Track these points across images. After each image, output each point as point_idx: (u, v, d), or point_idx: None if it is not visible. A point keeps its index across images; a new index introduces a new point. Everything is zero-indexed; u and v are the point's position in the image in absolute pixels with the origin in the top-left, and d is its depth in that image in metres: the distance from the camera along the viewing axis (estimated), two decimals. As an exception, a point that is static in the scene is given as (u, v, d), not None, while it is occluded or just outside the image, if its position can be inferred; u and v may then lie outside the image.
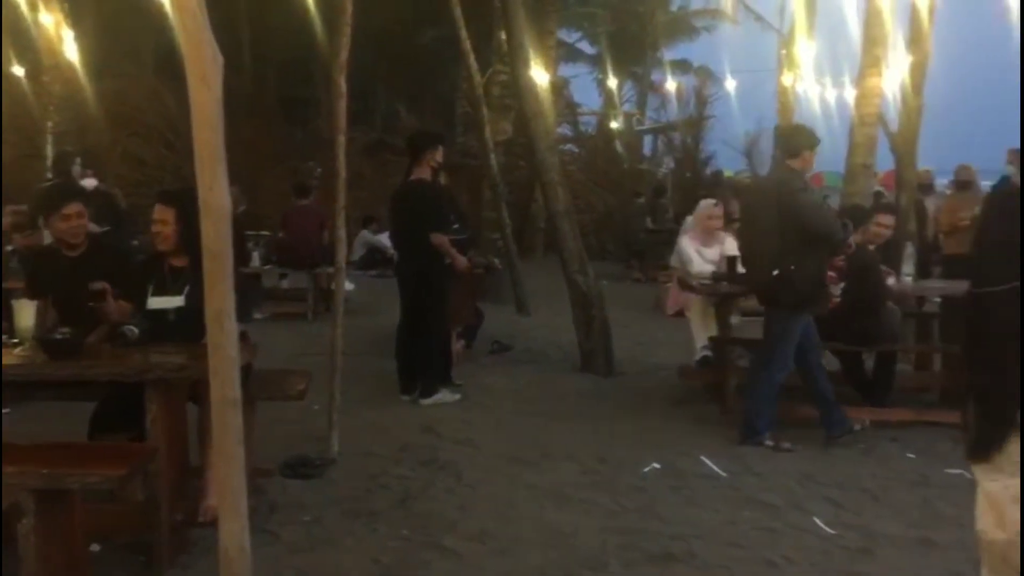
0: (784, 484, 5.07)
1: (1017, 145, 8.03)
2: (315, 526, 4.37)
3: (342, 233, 5.70)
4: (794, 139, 5.90)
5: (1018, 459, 2.07)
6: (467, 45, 11.86)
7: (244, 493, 2.73)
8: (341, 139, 5.48)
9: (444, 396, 6.83)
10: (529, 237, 17.86)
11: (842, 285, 6.25)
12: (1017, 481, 2.07)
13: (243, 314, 3.89)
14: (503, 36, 11.75)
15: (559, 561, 4.01)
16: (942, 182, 13.96)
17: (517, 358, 8.59)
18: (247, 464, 2.81)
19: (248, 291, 9.06)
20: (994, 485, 2.15)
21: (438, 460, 5.41)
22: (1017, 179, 9.14)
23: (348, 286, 10.57)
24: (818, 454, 5.66)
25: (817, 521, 4.52)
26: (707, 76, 30.16)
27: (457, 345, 7.65)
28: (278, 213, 12.00)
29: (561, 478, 5.14)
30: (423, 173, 6.83)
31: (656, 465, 5.36)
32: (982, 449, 2.17)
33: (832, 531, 4.40)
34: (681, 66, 32.31)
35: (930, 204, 11.31)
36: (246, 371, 4.10)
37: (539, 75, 10.60)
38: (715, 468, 5.33)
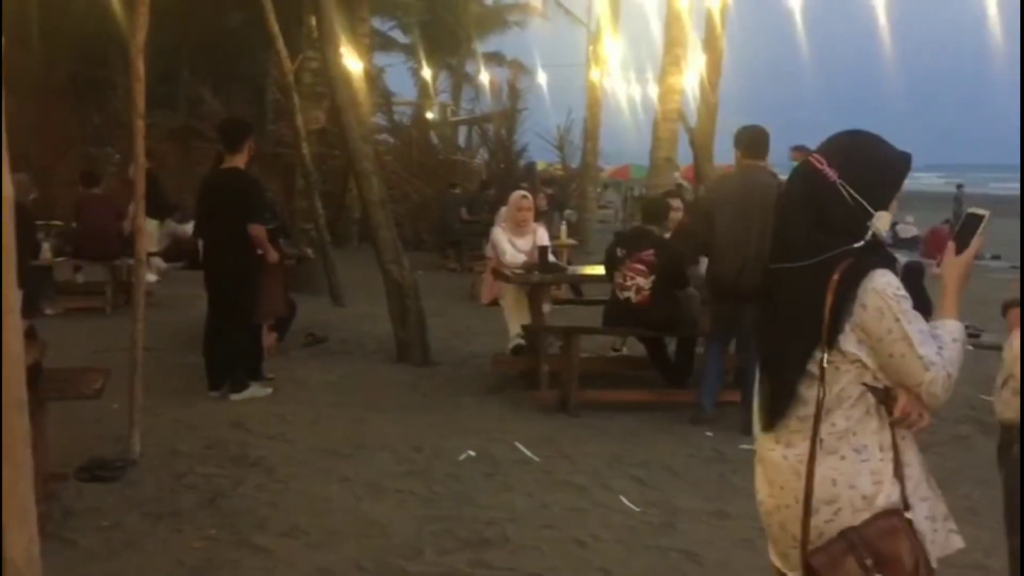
0: (593, 466, 5.26)
1: (800, 142, 8.63)
2: (114, 530, 4.16)
3: (143, 222, 5.43)
4: (764, 141, 6.23)
5: (797, 429, 2.23)
6: (276, 29, 11.53)
7: (32, 500, 2.55)
8: (140, 124, 5.22)
9: (255, 391, 6.65)
10: (344, 227, 17.62)
11: (652, 278, 6.50)
12: (795, 451, 2.23)
13: (30, 309, 3.64)
14: (314, 21, 11.50)
15: (374, 552, 4.00)
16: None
17: (332, 350, 8.47)
18: (39, 469, 2.64)
19: (36, 284, 8.47)
20: (773, 455, 2.30)
21: (248, 457, 5.26)
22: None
23: (150, 278, 10.07)
24: (626, 435, 5.91)
25: (623, 499, 4.72)
26: (520, 69, 30.73)
27: (269, 338, 7.45)
28: (72, 202, 11.26)
29: (376, 469, 5.12)
30: (238, 161, 6.61)
31: (471, 452, 5.43)
32: (768, 418, 2.30)
33: (637, 508, 4.62)
34: (495, 59, 32.78)
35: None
36: (34, 370, 3.83)
37: (352, 63, 10.46)
38: (528, 453, 5.46)
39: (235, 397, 6.52)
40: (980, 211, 2.34)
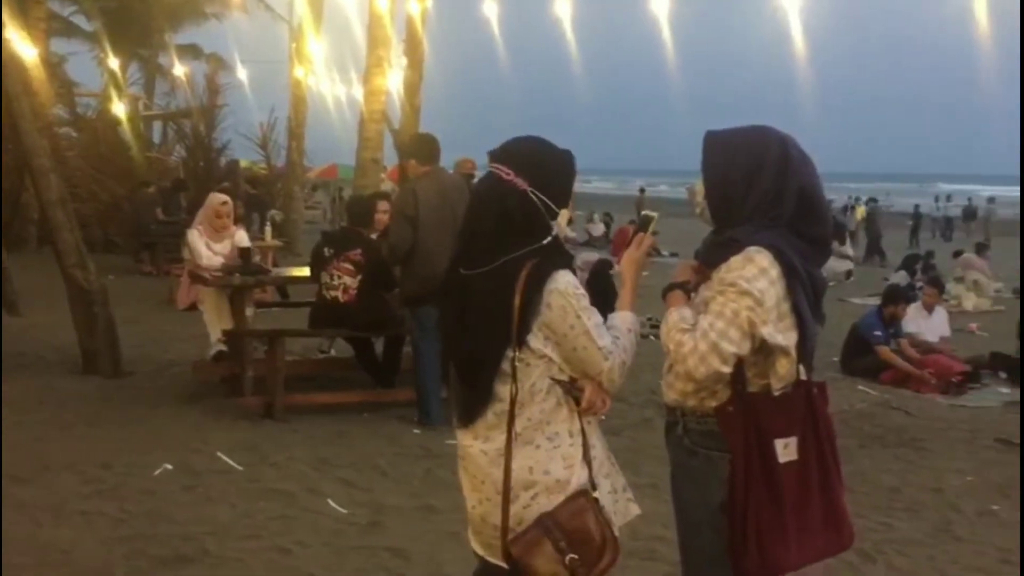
0: (300, 471, 5.17)
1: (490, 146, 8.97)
2: None
3: None
4: (436, 147, 6.29)
5: (495, 424, 2.32)
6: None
7: None
8: None
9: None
10: (20, 229, 16.03)
11: (359, 278, 6.48)
12: (494, 445, 2.32)
13: None
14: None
15: (56, 582, 3.67)
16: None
17: (7, 364, 7.66)
18: None
19: None
20: (472, 450, 2.39)
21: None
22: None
23: None
24: (334, 438, 5.85)
25: (331, 503, 4.68)
26: (219, 64, 29.43)
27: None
28: None
29: (60, 492, 4.71)
30: None
31: (168, 466, 5.14)
32: (465, 415, 2.39)
33: (345, 510, 4.59)
34: (191, 51, 31.16)
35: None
36: None
37: (24, 48, 9.53)
38: (231, 462, 5.26)
39: None
40: (651, 213, 2.60)
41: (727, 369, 2.21)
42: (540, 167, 2.37)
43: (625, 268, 2.50)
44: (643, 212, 2.68)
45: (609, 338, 2.33)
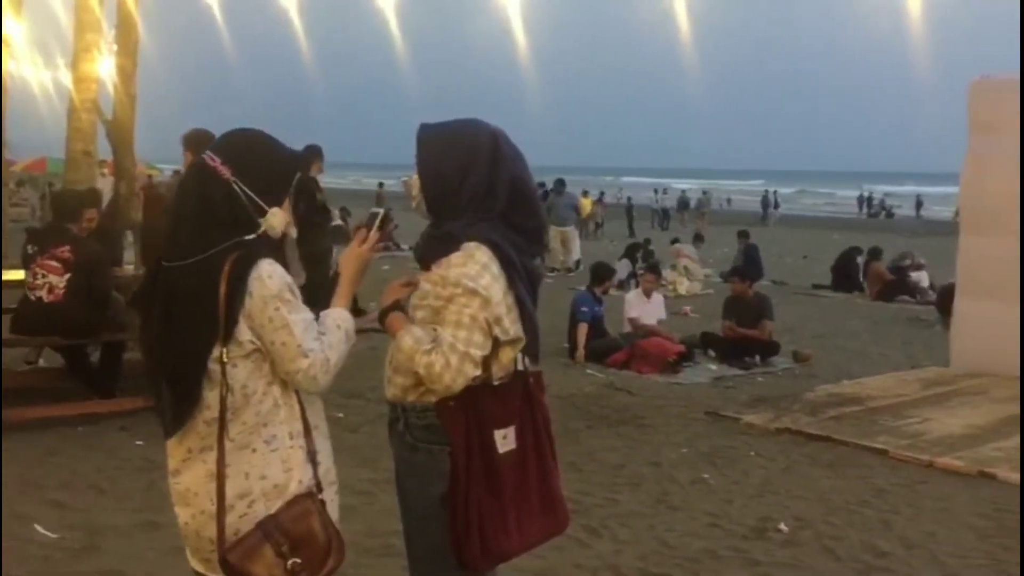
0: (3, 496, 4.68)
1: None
2: None
3: None
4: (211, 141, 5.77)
5: (207, 433, 2.19)
6: None
7: None
8: None
9: None
10: None
11: (68, 276, 5.99)
12: (208, 454, 2.18)
13: None
14: None
15: None
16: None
17: None
18: None
19: None
20: (184, 463, 2.25)
21: None
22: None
23: None
24: (43, 456, 5.36)
25: (39, 528, 4.27)
26: None
27: None
28: None
29: None
30: None
31: None
32: (172, 425, 2.24)
33: (55, 535, 4.21)
34: None
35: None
36: None
37: None
38: (-83, 492, 4.67)
39: None
40: (378, 210, 2.56)
41: (479, 371, 2.25)
42: (247, 159, 2.24)
43: (344, 264, 2.44)
44: (372, 209, 2.65)
45: (313, 334, 2.22)
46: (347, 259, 2.44)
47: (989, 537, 4.64)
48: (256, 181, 2.24)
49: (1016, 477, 5.52)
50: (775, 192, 47.02)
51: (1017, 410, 7.25)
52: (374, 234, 2.47)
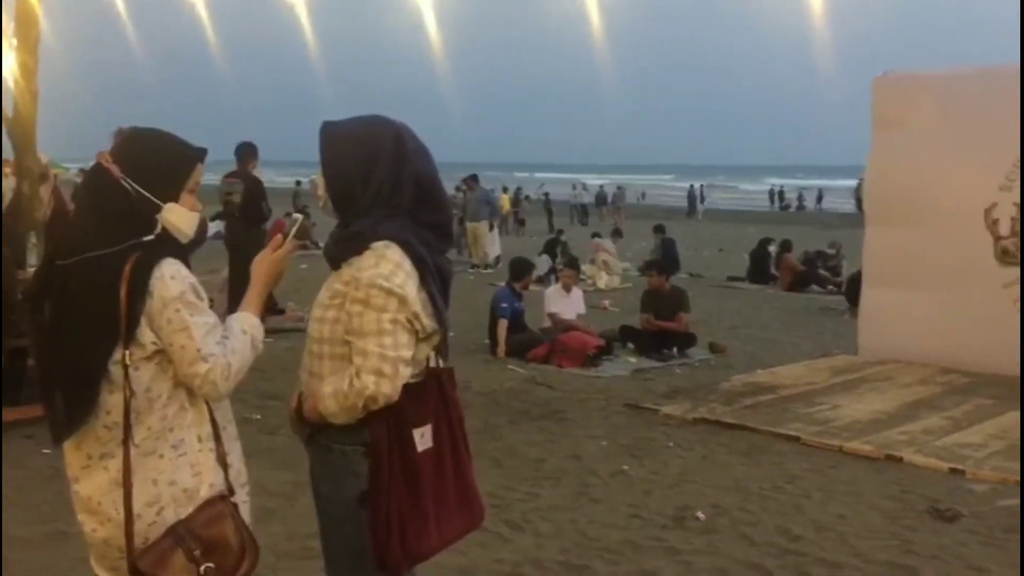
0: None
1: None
2: None
3: None
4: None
5: (108, 439, 2.13)
6: None
7: None
8: None
9: None
10: None
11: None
12: (110, 461, 2.12)
13: None
14: None
15: None
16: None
17: None
18: None
19: None
20: (84, 471, 2.19)
21: None
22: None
23: None
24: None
25: (-60, 542, 4.10)
26: None
27: None
28: None
29: None
30: None
31: None
32: (67, 431, 2.16)
33: (-43, 549, 4.05)
34: None
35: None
36: None
37: None
38: None
39: None
40: (297, 215, 2.56)
41: (412, 369, 2.27)
42: (137, 156, 2.20)
43: (257, 269, 2.41)
44: (293, 214, 2.63)
45: (215, 338, 2.17)
46: (260, 264, 2.41)
47: (896, 518, 4.81)
48: (145, 178, 2.19)
49: (921, 459, 5.75)
50: (701, 186, 47.79)
51: (921, 395, 7.54)
52: (290, 241, 2.44)
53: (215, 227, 12.89)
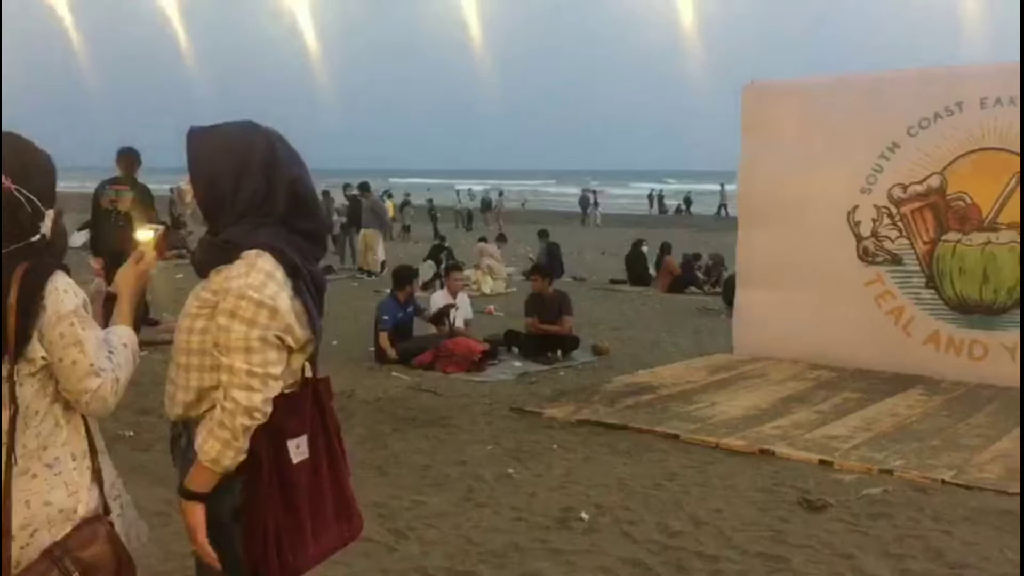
0: None
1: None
2: None
3: None
4: None
5: None
6: None
7: None
8: None
9: None
10: None
11: None
12: None
13: None
14: None
15: None
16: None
17: None
18: None
19: None
20: None
21: None
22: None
23: None
24: None
25: None
26: None
27: None
28: None
29: None
30: None
31: None
32: None
33: None
34: None
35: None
36: None
37: None
38: None
39: None
40: (158, 227, 2.48)
41: (286, 380, 2.22)
42: (27, 165, 2.14)
43: (122, 282, 2.34)
44: (154, 226, 2.54)
45: (104, 352, 2.13)
46: (124, 277, 2.35)
47: (769, 510, 5.00)
48: (34, 184, 2.15)
49: (792, 452, 5.99)
50: (594, 192, 48.17)
51: (793, 391, 7.86)
52: (151, 253, 2.38)
53: (82, 236, 12.36)
